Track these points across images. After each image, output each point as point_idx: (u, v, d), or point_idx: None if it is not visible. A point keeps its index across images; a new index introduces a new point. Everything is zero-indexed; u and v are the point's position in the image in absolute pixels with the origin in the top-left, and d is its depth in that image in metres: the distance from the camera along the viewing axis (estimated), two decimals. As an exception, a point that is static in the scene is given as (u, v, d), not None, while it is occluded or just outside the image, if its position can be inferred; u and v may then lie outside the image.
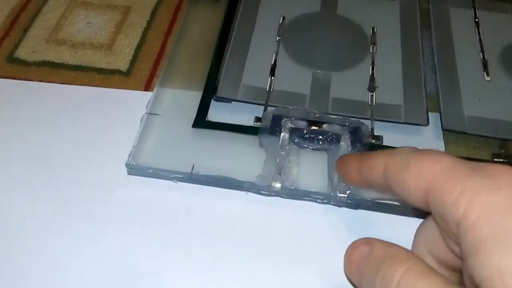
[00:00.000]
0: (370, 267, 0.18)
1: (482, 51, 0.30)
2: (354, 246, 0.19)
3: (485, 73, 0.28)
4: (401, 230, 0.22)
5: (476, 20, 0.31)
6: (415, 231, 0.21)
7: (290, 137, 0.24)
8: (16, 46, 0.30)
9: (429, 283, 0.15)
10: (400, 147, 0.18)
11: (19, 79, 0.28)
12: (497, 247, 0.14)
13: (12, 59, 0.29)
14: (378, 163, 0.18)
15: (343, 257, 0.20)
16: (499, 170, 0.15)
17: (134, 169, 0.23)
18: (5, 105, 0.26)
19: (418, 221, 0.22)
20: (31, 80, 0.28)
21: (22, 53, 0.29)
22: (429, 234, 0.18)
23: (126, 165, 0.23)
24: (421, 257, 0.18)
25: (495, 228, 0.14)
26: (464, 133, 0.25)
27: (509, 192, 0.15)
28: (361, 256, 0.18)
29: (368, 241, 0.18)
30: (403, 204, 0.22)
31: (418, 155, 0.17)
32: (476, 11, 0.32)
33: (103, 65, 0.29)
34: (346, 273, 0.19)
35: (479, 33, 0.31)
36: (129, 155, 0.23)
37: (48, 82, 0.28)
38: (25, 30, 0.30)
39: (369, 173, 0.19)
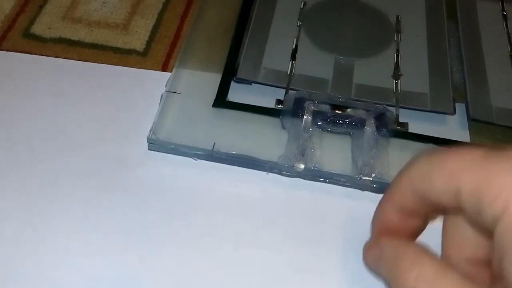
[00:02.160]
0: (383, 270, 0.19)
1: (510, 44, 0.31)
2: (366, 249, 0.21)
3: (513, 65, 0.30)
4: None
5: (504, 13, 0.33)
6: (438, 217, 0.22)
7: (313, 120, 0.25)
8: (32, 22, 0.31)
9: None
10: (415, 156, 0.18)
11: (36, 54, 0.29)
12: None
13: (28, 35, 0.30)
14: (405, 187, 0.18)
15: (362, 240, 0.22)
16: None
17: (155, 144, 0.24)
18: (23, 79, 0.28)
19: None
20: (48, 56, 0.29)
21: (38, 29, 0.31)
22: (456, 237, 0.19)
23: (148, 139, 0.24)
24: (452, 265, 0.19)
25: None
26: (492, 123, 0.26)
27: None
28: (374, 258, 0.20)
29: (378, 243, 0.20)
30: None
31: (439, 156, 0.17)
32: (504, 4, 0.33)
33: (119, 44, 0.30)
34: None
35: (506, 26, 0.32)
36: (150, 130, 0.24)
37: (64, 58, 0.29)
38: (41, 7, 0.32)
39: (402, 202, 0.19)
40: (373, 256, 0.20)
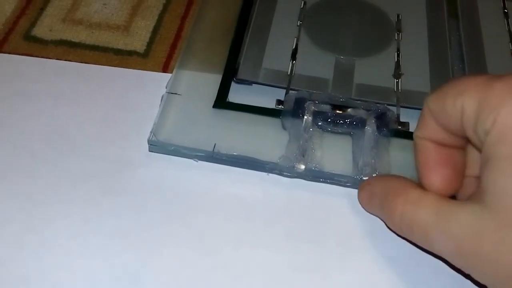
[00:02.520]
0: (375, 205, 0.22)
1: (512, 42, 0.31)
2: (360, 189, 0.23)
3: (514, 64, 0.30)
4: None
5: (505, 10, 0.33)
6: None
7: (313, 120, 0.25)
8: (33, 24, 0.31)
9: (425, 209, 0.19)
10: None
11: (37, 56, 0.29)
12: (508, 169, 0.16)
13: (29, 37, 0.30)
14: (424, 113, 0.20)
15: (364, 240, 0.23)
16: None
17: (155, 145, 0.24)
18: (24, 82, 0.28)
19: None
20: (49, 58, 0.29)
21: (39, 31, 0.31)
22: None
23: (148, 141, 0.24)
24: (464, 184, 0.21)
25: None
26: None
27: None
28: (367, 196, 0.23)
29: (369, 182, 0.23)
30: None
31: (450, 83, 0.19)
32: (505, 2, 0.33)
33: (120, 46, 0.30)
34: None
35: (508, 24, 0.32)
36: (151, 132, 0.24)
37: (66, 60, 0.29)
38: (42, 9, 0.32)
39: (424, 129, 0.20)
40: (366, 194, 0.23)
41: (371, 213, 0.23)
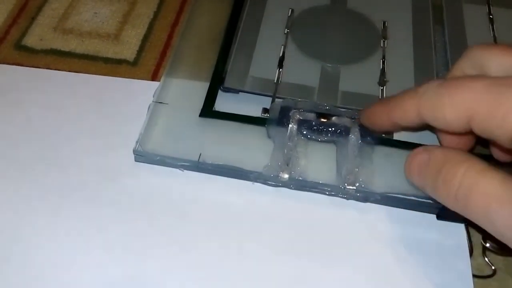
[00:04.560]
0: (431, 172, 0.19)
1: (496, 47, 0.30)
2: (413, 155, 0.21)
3: (498, 69, 0.29)
4: (408, 225, 0.22)
5: (491, 16, 0.32)
6: (423, 227, 0.22)
7: (298, 129, 0.24)
8: (24, 34, 0.31)
9: (490, 179, 0.17)
10: (423, 84, 0.19)
11: (27, 66, 0.29)
12: None
13: (20, 47, 0.30)
14: (409, 110, 0.19)
15: (348, 250, 0.22)
16: None
17: (141, 155, 0.24)
18: (13, 91, 0.27)
19: (426, 216, 0.23)
20: (39, 68, 0.29)
21: (30, 41, 0.30)
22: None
23: (134, 151, 0.24)
24: None
25: None
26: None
27: None
28: (421, 163, 0.20)
29: (426, 149, 0.20)
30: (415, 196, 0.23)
31: (448, 89, 0.18)
32: (491, 7, 0.33)
33: (110, 54, 0.30)
34: (408, 178, 0.21)
35: (493, 30, 0.31)
36: (137, 142, 0.24)
37: (55, 69, 0.29)
38: (33, 19, 0.31)
39: (402, 120, 0.20)
40: (420, 161, 0.20)
41: (416, 184, 0.21)
